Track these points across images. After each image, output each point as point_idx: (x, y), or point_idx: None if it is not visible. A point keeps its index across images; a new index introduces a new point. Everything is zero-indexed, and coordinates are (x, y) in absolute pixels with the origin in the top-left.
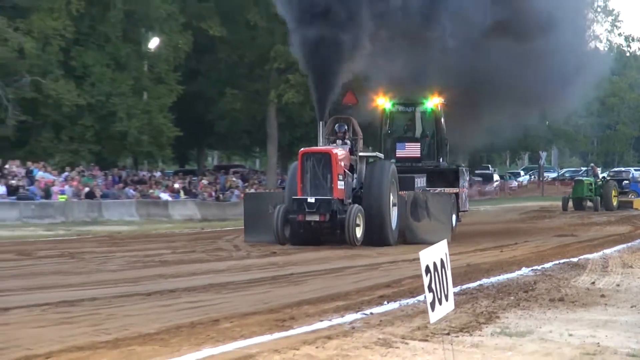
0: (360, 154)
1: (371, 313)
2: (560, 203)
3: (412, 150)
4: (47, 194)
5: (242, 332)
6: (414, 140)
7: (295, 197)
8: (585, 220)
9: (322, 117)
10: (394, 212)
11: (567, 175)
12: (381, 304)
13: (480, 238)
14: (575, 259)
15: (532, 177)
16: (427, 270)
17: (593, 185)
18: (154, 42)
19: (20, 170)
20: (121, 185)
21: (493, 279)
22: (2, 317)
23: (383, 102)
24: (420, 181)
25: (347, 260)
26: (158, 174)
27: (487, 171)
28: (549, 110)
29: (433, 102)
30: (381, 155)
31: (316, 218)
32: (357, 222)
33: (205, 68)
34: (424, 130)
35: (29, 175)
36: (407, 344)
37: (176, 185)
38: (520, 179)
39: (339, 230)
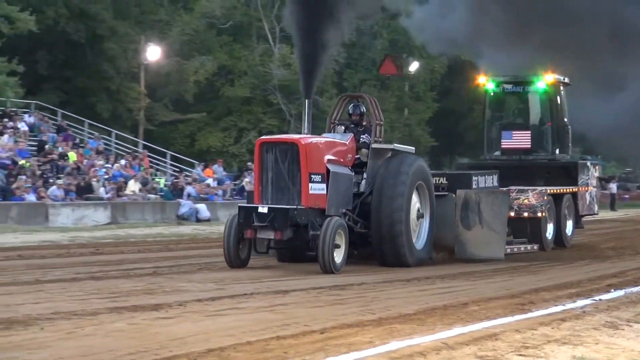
0: (374, 145)
1: (600, 299)
2: None
3: (520, 140)
4: None
5: (487, 314)
6: (523, 127)
7: (244, 205)
8: None
9: (308, 94)
10: (422, 225)
11: None
12: (608, 291)
13: None
14: None
15: None
16: None
17: None
18: (413, 66)
19: None
20: None
21: None
22: (283, 298)
23: (484, 82)
24: (484, 180)
25: (575, 253)
26: None
27: None
28: None
29: (547, 80)
30: (409, 149)
31: (270, 235)
32: (337, 241)
33: (457, 87)
34: (536, 116)
35: None
36: (631, 326)
37: None
38: None
39: (313, 252)
